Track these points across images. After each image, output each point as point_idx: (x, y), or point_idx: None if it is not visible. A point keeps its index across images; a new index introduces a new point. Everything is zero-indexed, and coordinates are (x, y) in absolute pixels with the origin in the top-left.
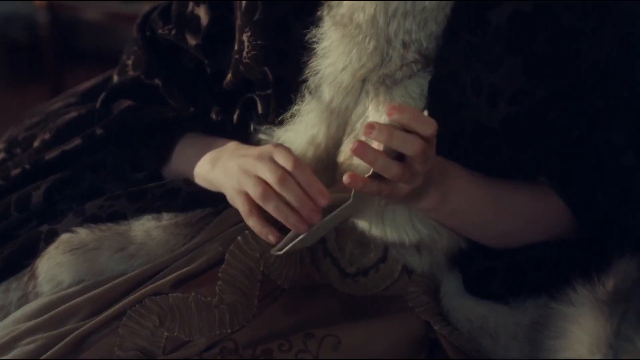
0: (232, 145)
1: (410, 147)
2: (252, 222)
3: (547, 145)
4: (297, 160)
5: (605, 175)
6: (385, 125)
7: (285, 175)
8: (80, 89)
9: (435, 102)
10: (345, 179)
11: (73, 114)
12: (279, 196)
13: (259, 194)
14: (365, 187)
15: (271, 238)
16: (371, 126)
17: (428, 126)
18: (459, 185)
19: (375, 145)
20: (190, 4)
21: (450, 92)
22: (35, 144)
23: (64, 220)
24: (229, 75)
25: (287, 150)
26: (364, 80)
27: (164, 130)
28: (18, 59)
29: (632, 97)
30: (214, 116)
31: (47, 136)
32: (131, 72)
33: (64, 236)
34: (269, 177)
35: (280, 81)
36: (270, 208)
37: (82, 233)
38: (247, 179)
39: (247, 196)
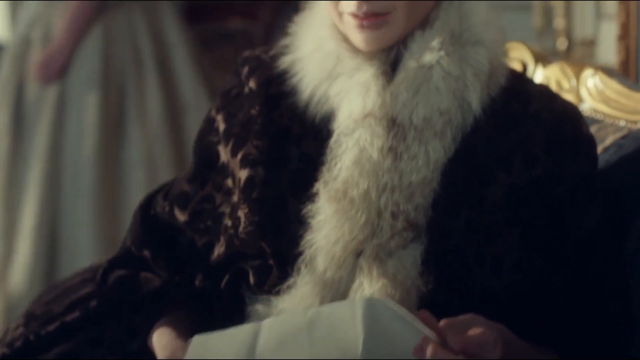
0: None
1: None
2: None
3: (549, 309)
4: None
5: (599, 337)
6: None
7: None
8: (95, 264)
9: (441, 274)
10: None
11: (87, 290)
12: None
13: None
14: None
15: None
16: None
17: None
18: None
19: None
20: (183, 183)
21: (454, 265)
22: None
23: None
24: (222, 249)
25: None
26: (358, 255)
27: (152, 298)
28: None
29: (620, 265)
30: (197, 282)
31: (59, 309)
32: (127, 244)
33: None
34: None
35: (277, 255)
36: None
37: None
38: None
39: None
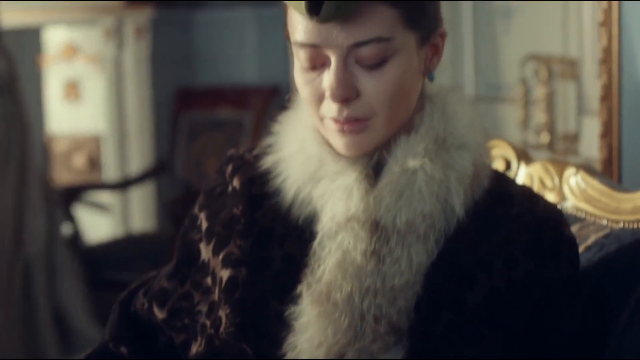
0: None
1: None
2: None
3: None
4: None
5: None
6: None
7: None
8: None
9: None
10: None
11: None
12: None
13: None
14: None
15: None
16: None
17: None
18: None
19: None
20: (163, 279)
21: None
22: None
23: None
24: (200, 348)
25: None
26: (340, 358)
27: None
28: None
29: None
30: None
31: None
32: (105, 339)
33: None
34: None
35: (258, 357)
36: None
37: None
38: None
39: None
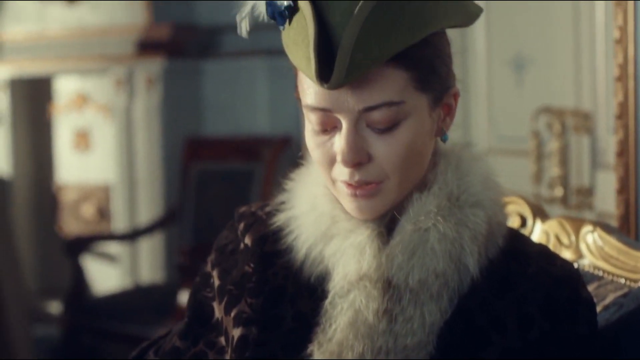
0: None
1: None
2: None
3: None
4: None
5: None
6: None
7: None
8: None
9: None
10: None
11: None
12: None
13: None
14: None
15: None
16: None
17: None
18: None
19: None
20: (175, 338)
21: None
22: None
23: None
24: None
25: None
26: None
27: None
28: None
29: None
30: None
31: None
32: None
33: None
34: None
35: None
36: None
37: None
38: None
39: None
